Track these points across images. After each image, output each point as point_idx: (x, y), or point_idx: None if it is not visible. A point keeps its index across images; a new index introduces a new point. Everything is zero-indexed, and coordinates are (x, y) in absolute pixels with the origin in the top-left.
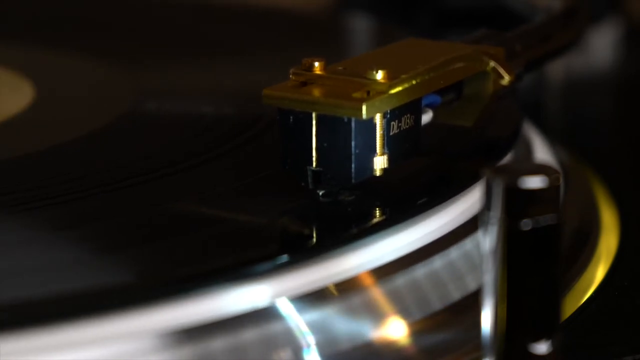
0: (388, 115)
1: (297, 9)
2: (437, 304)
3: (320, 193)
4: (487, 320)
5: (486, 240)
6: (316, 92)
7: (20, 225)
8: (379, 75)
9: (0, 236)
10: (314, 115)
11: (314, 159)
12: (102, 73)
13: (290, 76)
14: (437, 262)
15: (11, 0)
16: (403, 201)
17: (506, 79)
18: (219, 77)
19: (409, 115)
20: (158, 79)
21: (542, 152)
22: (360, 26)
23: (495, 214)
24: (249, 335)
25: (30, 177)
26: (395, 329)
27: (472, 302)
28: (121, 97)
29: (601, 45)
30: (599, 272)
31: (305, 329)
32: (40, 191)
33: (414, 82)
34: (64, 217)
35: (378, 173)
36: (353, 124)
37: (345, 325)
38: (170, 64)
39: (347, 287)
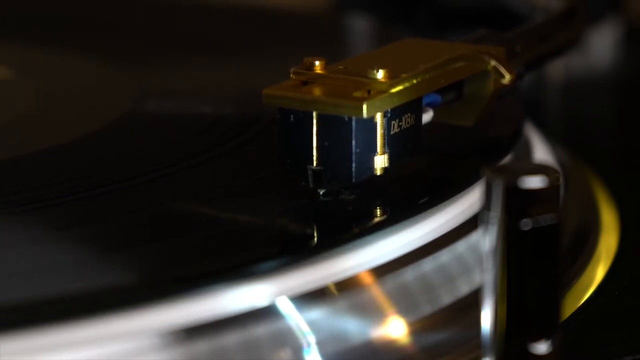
0: (389, 115)
1: (297, 9)
2: (437, 304)
3: (321, 192)
4: (487, 320)
5: (486, 240)
6: (317, 92)
7: (20, 226)
8: (380, 74)
9: (1, 236)
10: (314, 114)
11: (314, 158)
12: (102, 73)
13: (291, 75)
14: (437, 261)
15: (11, 0)
16: (404, 200)
17: (507, 78)
18: (219, 77)
19: (409, 114)
20: (158, 79)
21: (542, 152)
22: (360, 26)
23: (495, 213)
24: (249, 334)
25: (30, 177)
26: (395, 328)
27: (471, 301)
28: (121, 97)
29: (601, 45)
30: (599, 272)
31: (305, 328)
32: (40, 191)
33: (414, 81)
34: (64, 217)
35: (378, 172)
36: (354, 123)
37: (346, 324)
38: (170, 64)
39: (347, 286)
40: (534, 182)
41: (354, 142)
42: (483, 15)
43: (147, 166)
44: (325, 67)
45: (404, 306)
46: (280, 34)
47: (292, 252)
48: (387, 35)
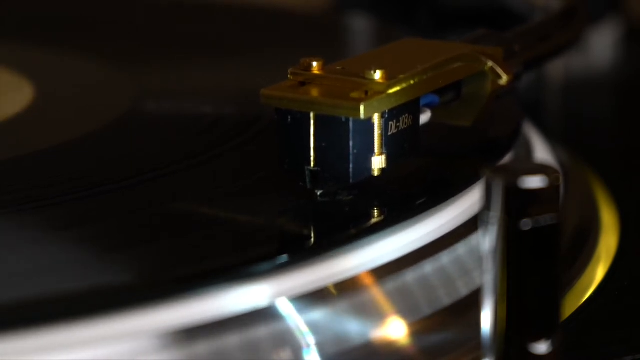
0: (386, 115)
1: (297, 9)
2: (436, 304)
3: (319, 193)
4: (487, 320)
5: (486, 240)
6: (314, 92)
7: (20, 225)
8: (377, 75)
9: (1, 236)
10: (312, 115)
11: (312, 158)
12: (102, 73)
13: (289, 76)
14: (438, 262)
15: (11, 0)
16: (402, 201)
17: (504, 78)
18: (219, 77)
19: (407, 115)
20: (158, 79)
21: (542, 152)
22: (360, 26)
23: (495, 214)
24: (248, 335)
25: (30, 177)
26: (395, 329)
27: (472, 302)
28: (121, 97)
29: (601, 45)
30: (599, 272)
31: (305, 329)
32: (40, 191)
33: (412, 82)
34: (64, 217)
35: (376, 173)
36: (351, 124)
37: (345, 325)
38: (170, 64)
39: (347, 287)
40: (534, 182)
41: (351, 143)
42: (483, 15)
43: (147, 166)
44: (322, 67)
45: (403, 307)
46: (280, 34)
47: (292, 252)
48: (387, 35)
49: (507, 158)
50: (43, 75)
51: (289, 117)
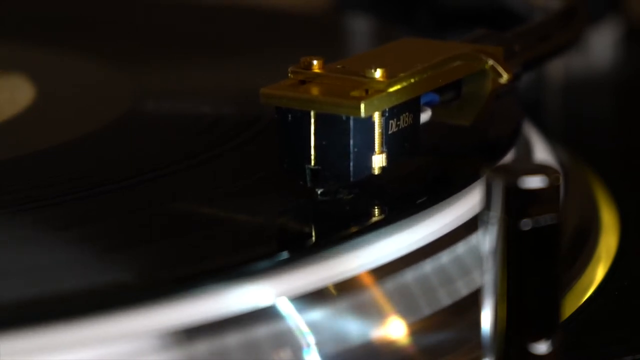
0: (386, 114)
1: (297, 9)
2: (436, 304)
3: (319, 192)
4: (487, 320)
5: (486, 240)
6: (314, 91)
7: (20, 225)
8: (378, 73)
9: (1, 236)
10: (312, 113)
11: (312, 157)
12: (102, 73)
13: (289, 74)
14: (438, 261)
15: (11, 0)
16: (402, 200)
17: (504, 77)
18: (219, 77)
19: (407, 113)
20: (158, 79)
21: (542, 152)
22: (360, 26)
23: (495, 213)
24: (249, 335)
25: (30, 177)
26: (395, 329)
27: (472, 302)
28: (121, 97)
29: (601, 45)
30: (599, 272)
31: (305, 328)
32: (40, 191)
33: (412, 80)
34: (64, 217)
35: (376, 172)
36: (351, 123)
37: (345, 325)
38: (170, 64)
39: (347, 287)
40: (534, 182)
41: (351, 142)
42: (483, 15)
43: (147, 166)
44: (323, 66)
45: (403, 307)
46: (280, 34)
47: (292, 252)
48: (387, 35)
49: (507, 158)
50: (43, 75)
51: (289, 115)
